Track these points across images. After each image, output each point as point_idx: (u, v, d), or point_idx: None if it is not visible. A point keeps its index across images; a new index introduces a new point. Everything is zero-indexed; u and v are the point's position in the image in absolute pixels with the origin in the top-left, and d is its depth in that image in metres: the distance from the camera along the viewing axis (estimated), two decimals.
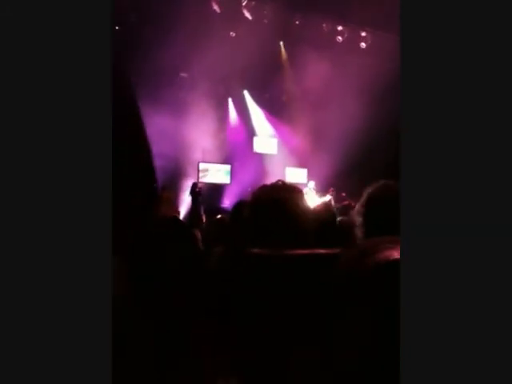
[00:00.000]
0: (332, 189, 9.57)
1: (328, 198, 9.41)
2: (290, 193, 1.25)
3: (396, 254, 0.68)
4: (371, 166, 10.01)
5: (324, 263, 1.13)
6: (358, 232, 1.32)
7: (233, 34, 9.65)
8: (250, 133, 11.29)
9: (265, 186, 1.30)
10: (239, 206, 2.16)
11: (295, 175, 11.34)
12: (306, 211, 1.33)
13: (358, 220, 1.29)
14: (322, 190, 9.71)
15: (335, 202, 9.53)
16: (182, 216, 8.85)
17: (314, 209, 2.49)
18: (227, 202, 10.30)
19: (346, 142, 9.63)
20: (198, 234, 2.94)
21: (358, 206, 1.35)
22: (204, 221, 7.87)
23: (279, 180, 1.34)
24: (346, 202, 9.46)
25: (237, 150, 10.85)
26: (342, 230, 2.40)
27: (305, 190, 9.61)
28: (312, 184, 9.67)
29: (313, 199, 9.37)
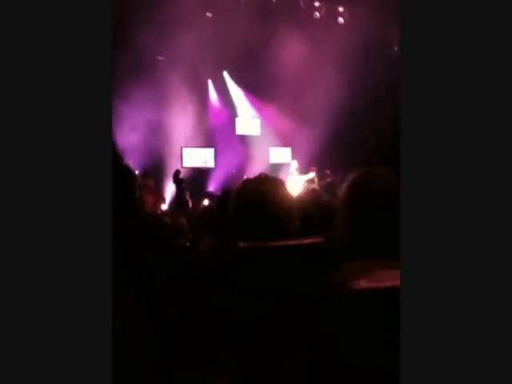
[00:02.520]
0: (313, 167, 9.59)
1: (311, 175, 9.47)
2: (273, 186, 1.27)
3: (374, 282, 0.69)
4: (355, 141, 10.07)
5: (310, 252, 1.16)
6: (341, 219, 1.34)
7: (209, 14, 9.46)
8: (232, 115, 11.20)
9: (248, 180, 1.32)
10: (225, 196, 2.17)
11: (279, 155, 11.34)
12: (290, 202, 1.35)
13: (341, 208, 1.31)
14: (307, 168, 9.74)
15: (319, 179, 9.61)
16: (167, 203, 8.81)
17: (300, 197, 2.51)
18: (213, 187, 10.28)
19: (329, 118, 9.64)
20: (184, 222, 2.95)
21: (340, 193, 1.36)
22: (190, 206, 7.86)
23: (262, 173, 1.36)
24: (328, 179, 9.57)
25: (219, 133, 10.77)
26: (329, 213, 2.42)
27: (289, 171, 9.63)
28: (295, 163, 9.68)
29: (296, 179, 9.42)
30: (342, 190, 1.29)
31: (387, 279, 0.70)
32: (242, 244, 1.14)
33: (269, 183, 1.27)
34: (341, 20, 10.64)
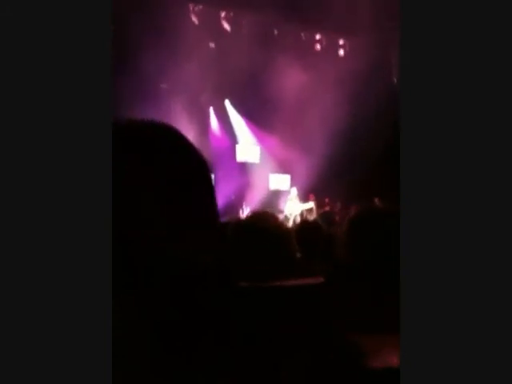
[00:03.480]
0: (312, 195, 9.63)
1: (310, 205, 9.49)
2: (266, 220, 1.29)
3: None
4: (354, 170, 10.13)
5: (310, 293, 1.16)
6: (342, 254, 1.35)
7: (212, 45, 9.69)
8: (233, 142, 11.32)
9: (240, 219, 1.35)
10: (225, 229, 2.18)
11: (278, 182, 11.39)
12: (288, 236, 1.37)
13: (342, 244, 1.32)
14: (306, 195, 9.77)
15: (317, 208, 9.62)
16: None
17: (299, 229, 2.52)
18: None
19: (329, 147, 9.73)
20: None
21: (339, 231, 1.38)
22: None
23: (256, 210, 1.39)
24: (326, 208, 9.58)
25: (220, 159, 10.84)
26: (329, 244, 2.43)
27: (288, 197, 9.66)
28: (294, 191, 9.72)
29: (295, 207, 9.44)
30: (344, 225, 1.31)
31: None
32: (242, 283, 1.14)
33: (262, 219, 1.29)
34: (341, 52, 10.89)
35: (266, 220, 1.28)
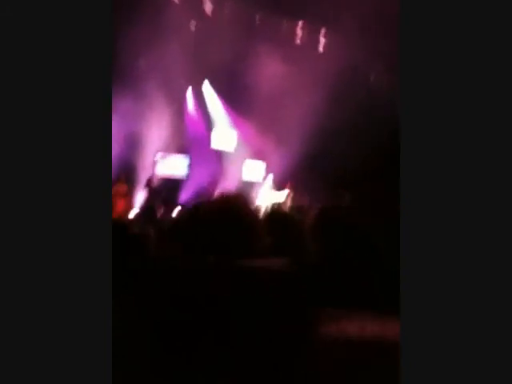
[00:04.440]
0: (287, 184, 9.68)
1: (285, 192, 9.55)
2: (238, 203, 1.28)
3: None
4: (330, 164, 10.24)
5: (277, 274, 1.16)
6: (312, 245, 1.36)
7: (192, 26, 9.51)
8: (209, 126, 11.21)
9: (213, 199, 1.34)
10: (195, 210, 2.15)
11: (253, 169, 11.39)
12: (257, 220, 1.36)
13: (311, 235, 1.33)
14: (281, 183, 9.82)
15: (291, 198, 9.70)
16: (136, 210, 8.68)
17: (270, 215, 2.52)
18: (184, 196, 10.19)
19: (305, 136, 9.78)
20: (151, 232, 2.90)
21: (309, 220, 1.39)
22: (160, 215, 7.76)
23: (222, 193, 1.39)
24: (301, 199, 9.67)
25: (195, 142, 10.74)
26: (298, 234, 2.44)
27: (263, 185, 9.70)
28: (270, 178, 9.75)
29: (269, 195, 9.48)
30: (311, 219, 1.32)
31: (353, 328, 0.69)
32: (211, 259, 1.14)
33: (231, 199, 1.29)
34: (322, 40, 10.90)
35: (237, 201, 1.28)
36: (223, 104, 11.22)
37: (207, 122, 11.16)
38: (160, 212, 7.95)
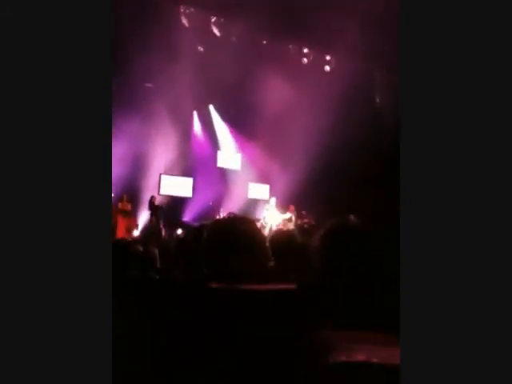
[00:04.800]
0: (292, 206, 9.68)
1: (288, 215, 9.54)
2: (244, 224, 1.28)
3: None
4: (333, 183, 10.25)
5: (283, 298, 1.16)
6: (314, 264, 1.35)
7: (201, 48, 9.70)
8: (214, 147, 11.30)
9: (218, 221, 1.34)
10: (199, 230, 2.16)
11: (258, 191, 11.42)
12: (262, 241, 1.36)
13: (315, 253, 1.33)
14: (284, 206, 9.82)
15: (296, 219, 9.68)
16: (139, 229, 8.68)
17: (275, 236, 2.52)
18: (188, 217, 10.20)
19: (309, 160, 9.82)
20: (156, 252, 2.90)
21: (315, 238, 1.38)
22: (163, 235, 7.75)
23: (231, 212, 1.38)
24: (305, 220, 9.64)
25: (200, 164, 10.81)
26: (303, 255, 2.43)
27: (266, 207, 9.69)
28: (273, 200, 9.76)
29: (274, 216, 9.47)
30: (316, 239, 1.31)
31: (364, 354, 0.69)
32: (214, 285, 1.13)
33: (239, 222, 1.28)
34: (327, 68, 11.06)
35: (241, 223, 1.28)
36: (228, 126, 11.34)
37: (213, 143, 11.26)
38: (164, 231, 7.94)
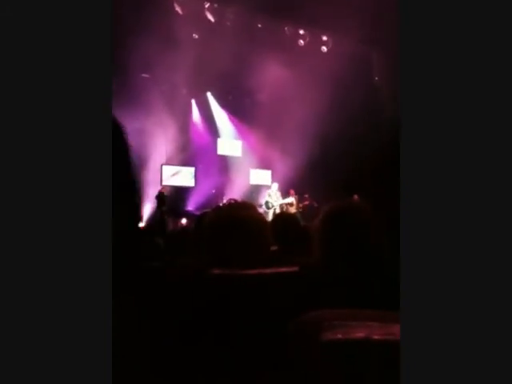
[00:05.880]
0: (292, 191, 9.70)
1: (291, 199, 9.56)
2: (244, 210, 1.29)
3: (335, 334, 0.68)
4: (334, 168, 10.23)
5: (285, 281, 1.17)
6: (316, 247, 1.36)
7: (196, 35, 9.60)
8: (214, 135, 11.26)
9: (219, 207, 1.34)
10: (202, 218, 2.17)
11: (259, 177, 11.41)
12: (264, 226, 1.37)
13: (316, 236, 1.34)
14: (286, 191, 9.83)
15: (298, 203, 9.71)
16: (144, 221, 8.71)
17: (276, 220, 2.53)
18: (192, 206, 10.23)
19: (309, 144, 9.79)
20: (161, 242, 2.93)
21: (316, 221, 1.39)
22: (168, 226, 7.78)
23: (231, 199, 1.39)
24: (306, 202, 9.67)
25: (201, 152, 10.79)
26: (305, 238, 2.45)
27: (268, 192, 9.71)
28: (276, 186, 9.77)
29: (277, 200, 9.51)
30: (316, 222, 1.32)
31: (361, 331, 0.69)
32: (216, 271, 1.15)
33: (241, 208, 1.29)
34: (324, 49, 10.94)
35: (241, 209, 1.28)
36: (227, 113, 11.29)
37: (212, 131, 11.22)
38: (169, 222, 7.98)
